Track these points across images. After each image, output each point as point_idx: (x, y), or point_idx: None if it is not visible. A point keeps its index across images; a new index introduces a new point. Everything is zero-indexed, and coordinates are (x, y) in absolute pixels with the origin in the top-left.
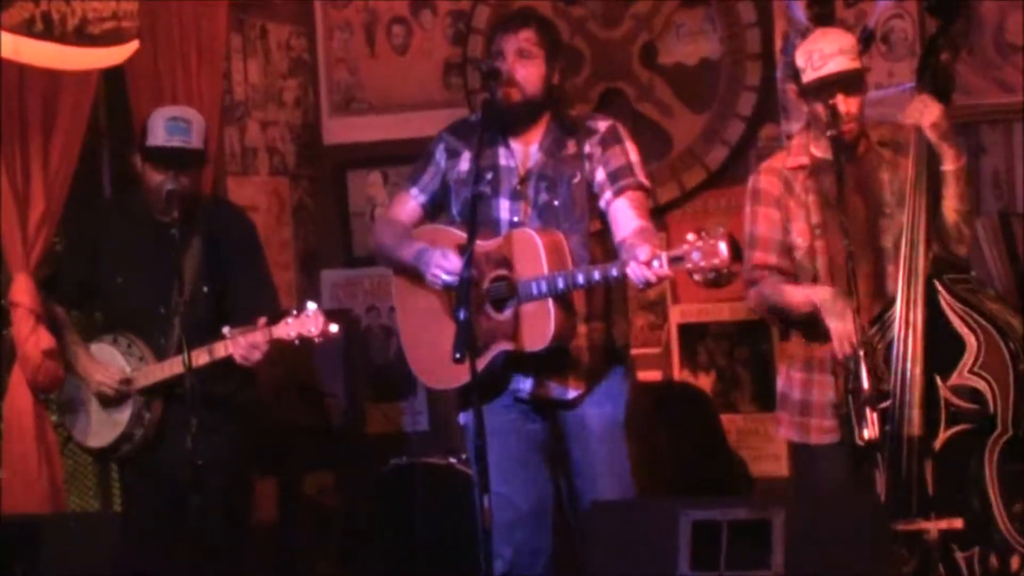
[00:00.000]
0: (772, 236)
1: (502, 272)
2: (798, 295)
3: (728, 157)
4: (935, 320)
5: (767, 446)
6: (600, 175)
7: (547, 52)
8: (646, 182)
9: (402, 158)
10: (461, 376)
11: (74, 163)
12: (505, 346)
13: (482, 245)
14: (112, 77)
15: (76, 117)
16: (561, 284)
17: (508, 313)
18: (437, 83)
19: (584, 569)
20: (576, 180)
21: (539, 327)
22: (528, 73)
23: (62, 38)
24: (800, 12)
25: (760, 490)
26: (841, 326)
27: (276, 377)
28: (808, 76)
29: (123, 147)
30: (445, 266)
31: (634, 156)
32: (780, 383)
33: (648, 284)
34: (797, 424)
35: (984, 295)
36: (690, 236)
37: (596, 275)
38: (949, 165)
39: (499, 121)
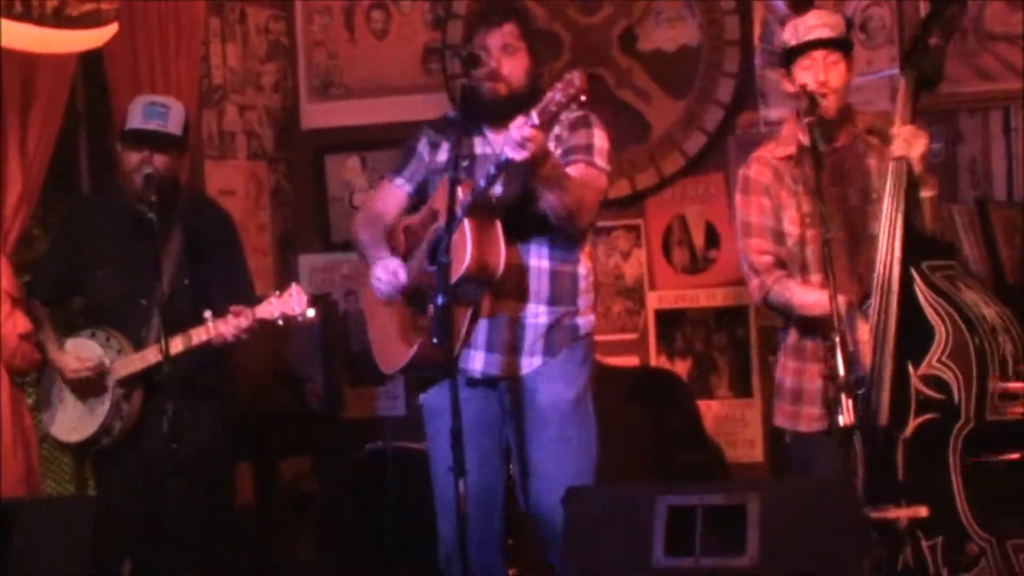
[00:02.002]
0: (766, 223)
1: (435, 225)
2: (808, 299)
3: (706, 144)
4: (909, 308)
5: (743, 432)
6: (559, 151)
7: (528, 44)
8: (600, 163)
9: (380, 143)
10: (404, 356)
11: (51, 146)
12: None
13: (413, 217)
14: (90, 60)
15: (54, 100)
16: (470, 197)
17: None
18: (416, 68)
19: (539, 551)
20: None
21: (461, 250)
22: (513, 67)
23: (41, 20)
24: None
25: (736, 475)
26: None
27: (254, 362)
28: (791, 44)
29: (100, 130)
30: (384, 277)
31: (599, 142)
32: (777, 373)
33: (528, 141)
34: (789, 413)
35: (964, 282)
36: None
37: (492, 168)
38: (927, 192)
39: (479, 112)
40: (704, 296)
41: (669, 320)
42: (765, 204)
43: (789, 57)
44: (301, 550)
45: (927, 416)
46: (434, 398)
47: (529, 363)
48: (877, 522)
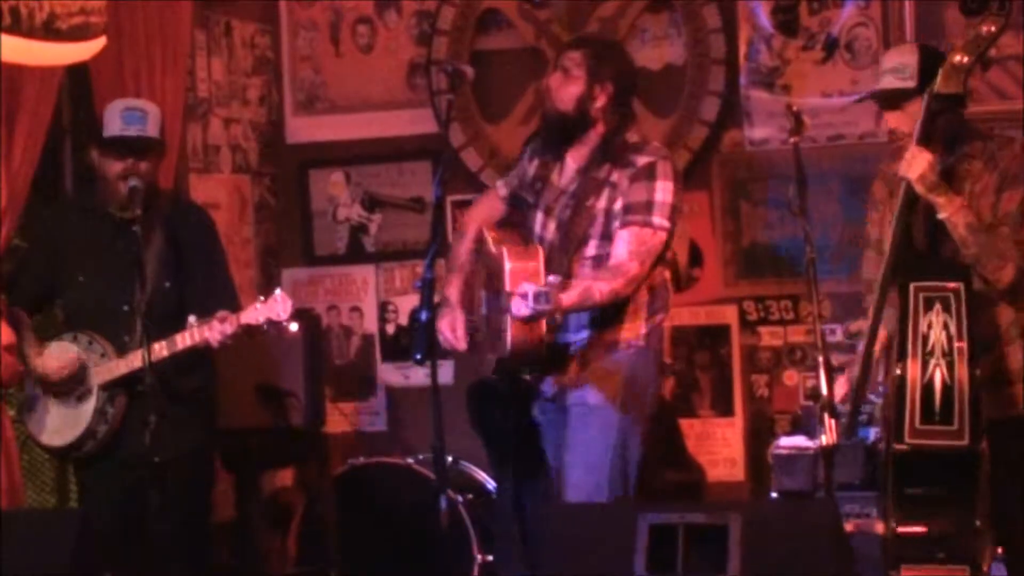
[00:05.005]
0: (874, 236)
1: (497, 284)
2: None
3: (691, 162)
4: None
5: (725, 450)
6: (619, 205)
7: (590, 74)
8: (658, 221)
9: (365, 158)
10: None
11: (36, 158)
12: (494, 353)
13: (492, 253)
14: (76, 72)
15: (39, 112)
16: (503, 305)
17: (500, 323)
18: (401, 83)
19: (532, 566)
20: (589, 203)
21: (504, 339)
22: (562, 90)
23: (30, 33)
24: (764, 18)
25: (717, 494)
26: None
27: (236, 375)
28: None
29: (86, 142)
30: (446, 335)
31: (660, 196)
32: None
33: (520, 319)
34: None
35: (944, 306)
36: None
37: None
38: (942, 214)
39: (552, 136)
40: (687, 314)
41: None
42: (874, 217)
43: None
44: (281, 564)
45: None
46: (538, 416)
47: (569, 377)
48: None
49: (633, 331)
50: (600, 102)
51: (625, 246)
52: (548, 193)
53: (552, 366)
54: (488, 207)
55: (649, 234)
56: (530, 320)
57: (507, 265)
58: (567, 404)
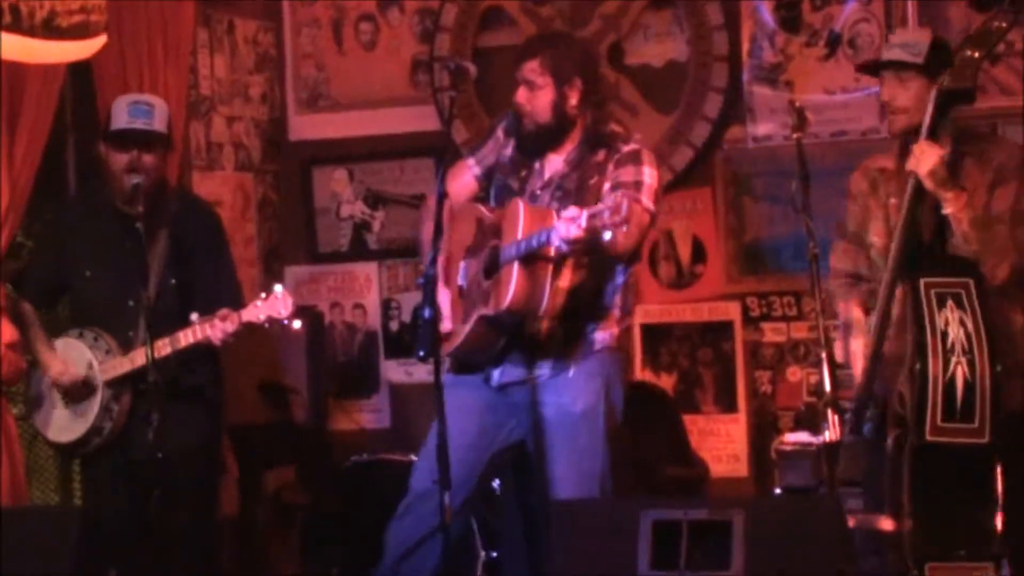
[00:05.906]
0: (851, 230)
1: (495, 242)
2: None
3: (693, 158)
4: (900, 324)
5: (728, 446)
6: (606, 187)
7: (555, 78)
8: (646, 202)
9: (368, 155)
10: (456, 340)
11: (39, 156)
12: (481, 310)
13: (487, 216)
14: (78, 70)
15: (42, 110)
16: (514, 250)
17: (491, 280)
18: (404, 80)
19: (536, 563)
20: (593, 181)
21: (503, 289)
22: (535, 104)
23: (30, 31)
24: (767, 15)
25: (721, 490)
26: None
27: (240, 373)
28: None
29: (88, 140)
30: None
31: (648, 180)
32: None
33: (568, 241)
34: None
35: (957, 302)
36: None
37: (535, 239)
38: (947, 209)
39: (537, 146)
40: (690, 311)
41: (655, 335)
42: (853, 210)
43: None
44: (285, 561)
45: (897, 431)
46: (450, 378)
47: (539, 372)
48: (866, 530)
49: (608, 332)
50: (573, 100)
51: None
52: (534, 180)
53: (523, 358)
54: (462, 185)
55: (639, 210)
56: (576, 244)
57: (522, 213)
58: (543, 410)
